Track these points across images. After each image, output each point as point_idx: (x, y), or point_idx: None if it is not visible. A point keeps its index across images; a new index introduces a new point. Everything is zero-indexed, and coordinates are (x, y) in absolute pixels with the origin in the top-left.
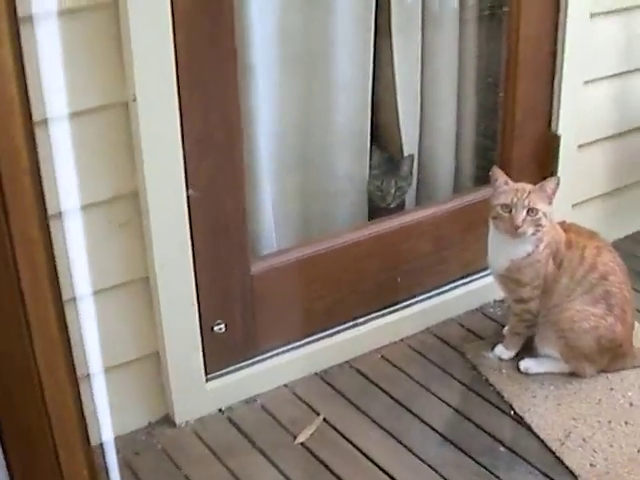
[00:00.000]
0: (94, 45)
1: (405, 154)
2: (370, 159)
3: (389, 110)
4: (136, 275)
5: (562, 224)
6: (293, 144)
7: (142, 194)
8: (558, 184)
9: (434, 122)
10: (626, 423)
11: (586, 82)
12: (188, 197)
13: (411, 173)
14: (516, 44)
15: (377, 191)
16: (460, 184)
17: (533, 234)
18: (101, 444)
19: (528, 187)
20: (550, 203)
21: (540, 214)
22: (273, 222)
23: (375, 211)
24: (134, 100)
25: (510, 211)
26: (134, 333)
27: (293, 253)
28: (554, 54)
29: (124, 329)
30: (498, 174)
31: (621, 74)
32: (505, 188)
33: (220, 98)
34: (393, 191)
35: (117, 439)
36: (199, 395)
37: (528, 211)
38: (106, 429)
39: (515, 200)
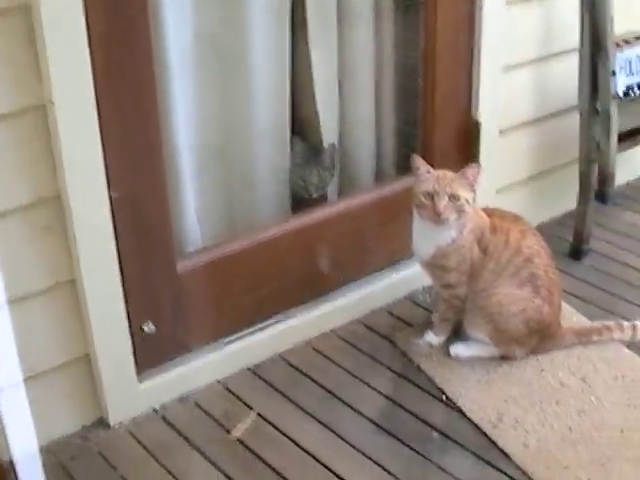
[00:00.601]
0: (9, 48)
1: (325, 144)
2: (291, 150)
3: (308, 101)
4: (62, 278)
5: (486, 209)
6: (213, 140)
7: (64, 197)
8: (480, 170)
9: (354, 112)
10: (557, 403)
11: (505, 68)
12: (111, 198)
13: (334, 163)
14: (434, 32)
15: (300, 181)
16: (382, 173)
17: (456, 220)
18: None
19: (450, 174)
20: (472, 189)
21: (462, 200)
22: (197, 219)
23: (298, 203)
24: (52, 102)
25: (432, 198)
26: (63, 336)
27: (218, 249)
28: (472, 41)
29: (52, 333)
30: (419, 162)
31: (539, 60)
32: (427, 176)
33: (138, 97)
34: (316, 181)
35: (52, 444)
36: (132, 395)
37: (450, 198)
38: (36, 435)
39: (437, 187)
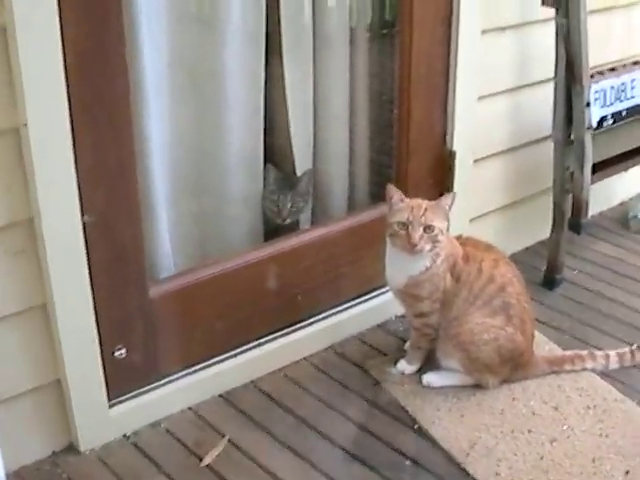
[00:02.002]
0: None
1: (299, 172)
2: (265, 177)
3: (282, 129)
4: (34, 302)
5: (459, 238)
6: (188, 166)
7: (37, 221)
8: (454, 200)
9: (328, 140)
10: (529, 431)
11: (480, 98)
12: (84, 223)
13: (309, 190)
14: (409, 62)
15: (273, 207)
16: (356, 201)
17: (430, 250)
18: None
19: (424, 204)
20: (446, 219)
21: (437, 230)
22: (170, 245)
23: (270, 231)
24: (25, 125)
25: (407, 228)
26: (34, 361)
27: (191, 275)
28: (447, 71)
29: (23, 358)
30: (393, 191)
31: (514, 89)
32: (401, 205)
33: (113, 122)
34: (289, 206)
35: (21, 469)
36: (103, 421)
37: (425, 228)
38: (6, 460)
39: (411, 218)
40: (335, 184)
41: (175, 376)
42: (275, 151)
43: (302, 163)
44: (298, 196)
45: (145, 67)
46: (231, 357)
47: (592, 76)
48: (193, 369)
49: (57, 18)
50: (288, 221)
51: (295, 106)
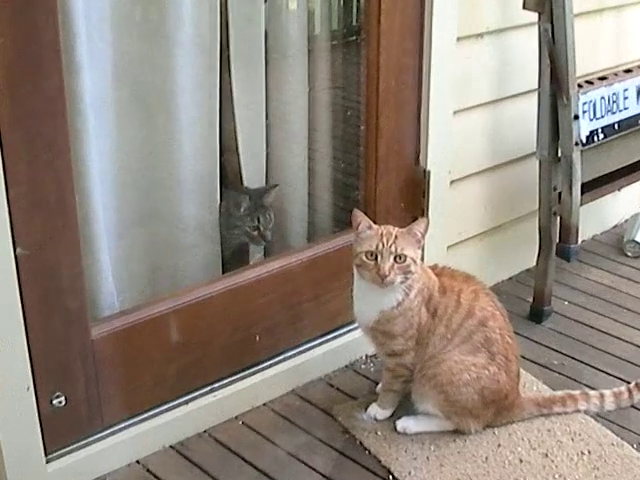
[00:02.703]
0: None
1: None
2: (229, 202)
3: (231, 148)
4: None
5: (434, 268)
6: (134, 192)
7: None
8: (428, 225)
9: (284, 160)
10: None
11: (456, 112)
12: (16, 256)
13: (270, 205)
14: (377, 72)
15: (254, 231)
16: (318, 229)
17: (402, 282)
18: None
19: (394, 231)
20: (420, 247)
21: (409, 260)
22: (114, 281)
23: (233, 260)
24: None
25: (376, 258)
26: None
27: (137, 313)
28: (419, 82)
29: None
30: (360, 217)
31: (494, 102)
32: (369, 233)
33: (48, 147)
34: (271, 225)
35: None
36: (40, 479)
37: (395, 258)
38: None
39: (380, 246)
40: (294, 210)
41: (121, 426)
42: (226, 173)
43: (253, 185)
44: (270, 211)
45: (85, 82)
46: (183, 404)
47: (580, 86)
48: (141, 418)
49: None
50: (268, 239)
51: (244, 125)
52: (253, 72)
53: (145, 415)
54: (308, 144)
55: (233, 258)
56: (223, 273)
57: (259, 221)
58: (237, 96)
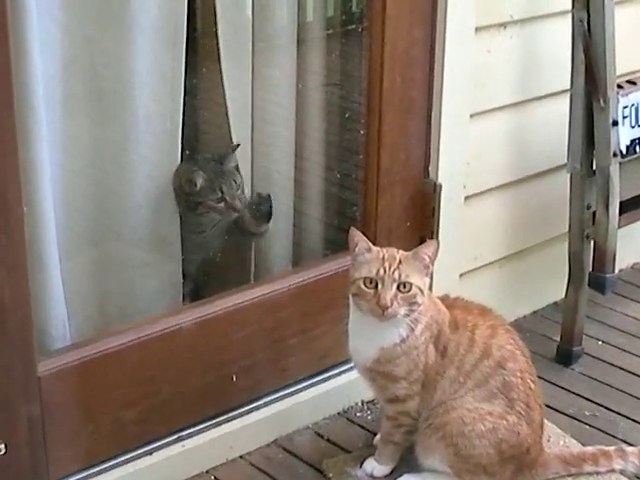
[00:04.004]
0: None
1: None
2: (183, 179)
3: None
4: None
5: (445, 299)
6: (87, 204)
7: None
8: (437, 249)
9: (266, 169)
10: None
11: (472, 115)
12: None
13: (237, 169)
14: (380, 68)
15: (219, 204)
16: (308, 252)
17: (406, 315)
18: None
19: (398, 254)
20: (427, 274)
21: (414, 289)
22: (66, 309)
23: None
24: None
25: (376, 286)
26: None
27: (92, 347)
28: (430, 80)
29: None
30: (357, 237)
31: (517, 104)
32: (368, 256)
33: None
34: (240, 191)
35: None
36: None
37: (399, 286)
38: None
39: (382, 272)
40: (280, 229)
41: None
42: None
43: None
44: (235, 176)
45: (34, 71)
46: (145, 455)
47: (620, 87)
48: (95, 470)
49: None
50: (239, 208)
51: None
52: (239, 64)
53: (100, 467)
54: (295, 151)
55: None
56: (197, 289)
57: (222, 191)
58: (228, 90)
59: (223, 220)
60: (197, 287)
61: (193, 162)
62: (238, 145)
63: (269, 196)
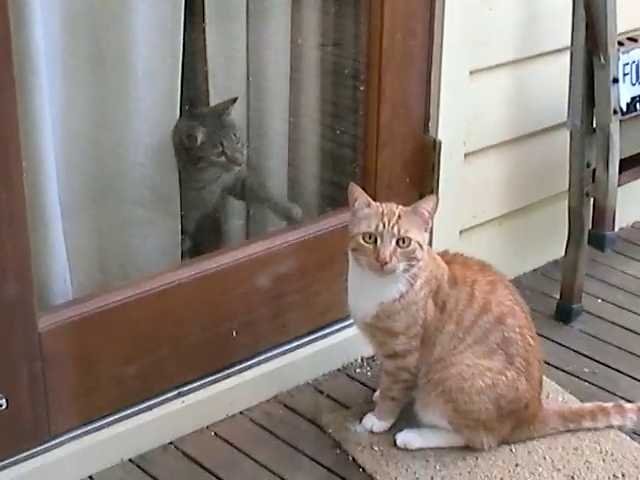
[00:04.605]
0: None
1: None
2: (184, 134)
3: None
4: None
5: (444, 255)
6: (88, 162)
7: None
8: (437, 204)
9: (265, 126)
10: None
11: (472, 72)
12: None
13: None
14: (380, 23)
15: (220, 157)
16: (307, 207)
17: (405, 270)
18: None
19: (397, 209)
20: (427, 229)
21: (414, 244)
22: (68, 265)
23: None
24: None
25: (375, 241)
26: None
27: (93, 302)
28: (430, 36)
29: None
30: (357, 192)
31: (517, 61)
32: (367, 211)
33: None
34: (240, 144)
35: None
36: None
37: (398, 241)
38: None
39: (381, 227)
40: (277, 184)
41: (71, 435)
42: None
43: None
44: (235, 129)
45: (33, 34)
46: (145, 410)
47: (621, 44)
48: (95, 426)
49: None
50: (240, 161)
51: (219, 87)
52: (231, 23)
53: (100, 423)
54: (294, 109)
55: (205, 218)
56: (196, 246)
57: (223, 145)
58: (210, 48)
59: (224, 177)
60: (197, 244)
61: (192, 117)
62: (236, 98)
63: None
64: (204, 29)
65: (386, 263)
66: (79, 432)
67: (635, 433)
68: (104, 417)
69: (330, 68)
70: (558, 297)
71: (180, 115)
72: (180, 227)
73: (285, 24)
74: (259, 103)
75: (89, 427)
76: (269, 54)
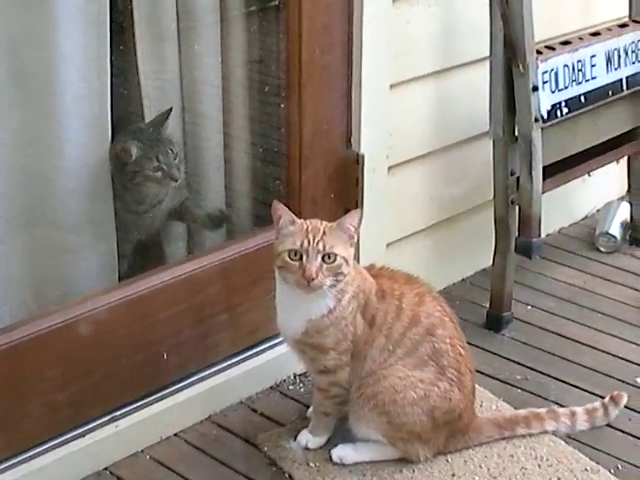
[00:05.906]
0: None
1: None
2: (119, 149)
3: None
4: None
5: (371, 269)
6: (13, 188)
7: None
8: (361, 218)
9: (196, 147)
10: None
11: (393, 85)
12: None
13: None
14: (298, 40)
15: (156, 172)
16: (233, 226)
17: (332, 286)
18: None
19: (322, 225)
20: (352, 244)
21: (339, 260)
22: None
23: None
24: None
25: (300, 258)
26: None
27: (20, 331)
28: (349, 51)
29: None
30: (280, 210)
31: (437, 73)
32: (291, 229)
33: None
34: (177, 159)
35: None
36: None
37: (324, 257)
38: None
39: (306, 244)
40: (205, 205)
41: (1, 467)
42: None
43: None
44: (172, 144)
45: None
46: (78, 437)
47: (539, 52)
48: (26, 456)
49: None
50: (177, 177)
51: (153, 104)
52: (162, 43)
53: (31, 452)
54: (222, 128)
55: (148, 241)
56: (135, 269)
57: (158, 159)
58: (142, 69)
59: (167, 200)
60: (137, 267)
61: (128, 132)
62: (171, 108)
63: (223, 212)
64: (135, 50)
65: (312, 279)
66: (9, 463)
67: (569, 437)
68: (35, 446)
69: (256, 86)
70: (488, 306)
71: (112, 138)
72: (117, 251)
73: (215, 43)
74: (193, 124)
75: (19, 457)
76: (201, 74)
